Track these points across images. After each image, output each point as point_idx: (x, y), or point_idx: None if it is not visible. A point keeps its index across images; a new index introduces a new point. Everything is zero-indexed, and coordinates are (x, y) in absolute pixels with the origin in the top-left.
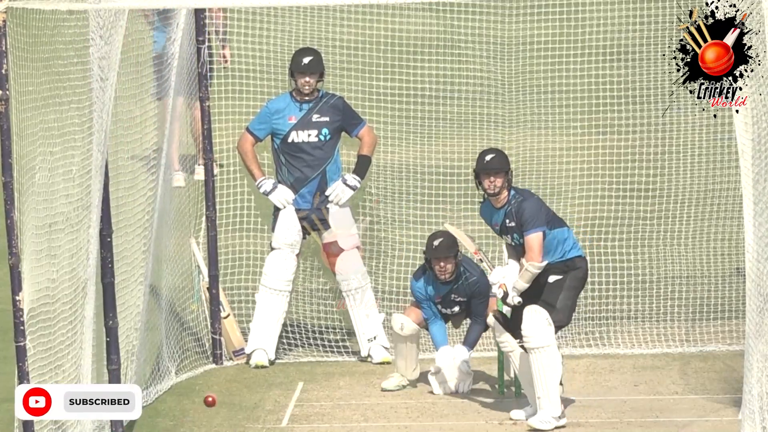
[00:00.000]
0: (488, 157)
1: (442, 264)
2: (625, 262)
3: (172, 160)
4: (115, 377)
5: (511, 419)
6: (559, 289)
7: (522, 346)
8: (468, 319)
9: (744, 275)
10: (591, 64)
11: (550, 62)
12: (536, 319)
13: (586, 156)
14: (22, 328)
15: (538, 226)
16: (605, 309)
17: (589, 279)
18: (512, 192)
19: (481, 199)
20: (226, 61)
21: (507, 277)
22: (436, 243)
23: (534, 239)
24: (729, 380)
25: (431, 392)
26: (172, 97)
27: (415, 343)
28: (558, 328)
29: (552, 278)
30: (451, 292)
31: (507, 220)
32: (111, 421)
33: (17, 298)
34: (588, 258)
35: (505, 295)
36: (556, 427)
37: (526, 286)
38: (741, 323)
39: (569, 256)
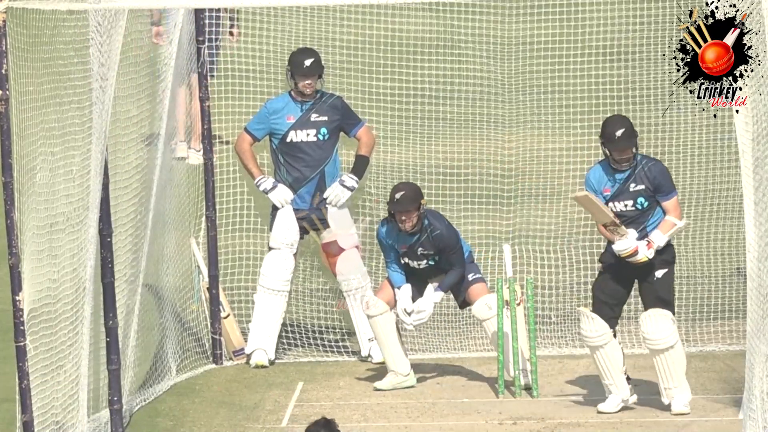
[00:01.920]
0: (618, 131)
1: (404, 217)
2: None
3: (178, 131)
4: (114, 377)
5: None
6: (669, 283)
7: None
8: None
9: (744, 275)
10: (591, 64)
11: (550, 62)
12: (662, 322)
13: (586, 156)
14: (22, 328)
15: (674, 189)
16: None
17: (589, 279)
18: (639, 156)
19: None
20: (233, 38)
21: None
22: (398, 196)
23: (675, 201)
24: (729, 380)
25: (434, 390)
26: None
27: (394, 333)
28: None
29: (660, 272)
30: (417, 245)
31: (633, 184)
32: (111, 420)
33: (17, 298)
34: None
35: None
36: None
37: (665, 242)
38: (741, 323)
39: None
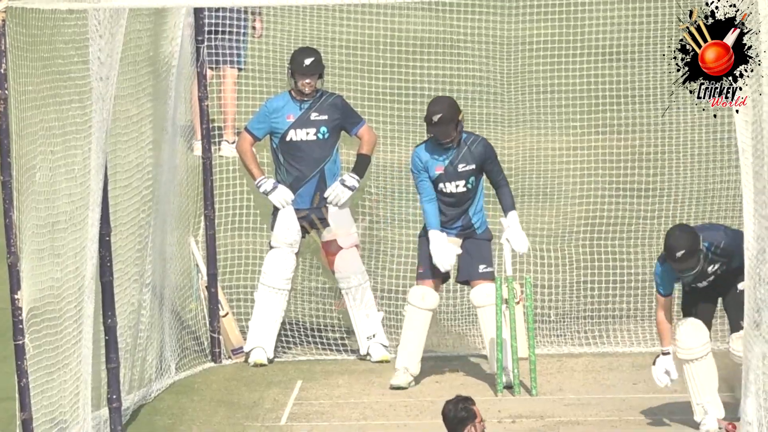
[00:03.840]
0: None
1: (444, 137)
2: (625, 261)
3: (195, 129)
4: (113, 376)
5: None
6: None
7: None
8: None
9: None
10: (590, 63)
11: (550, 62)
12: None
13: (585, 156)
14: (20, 326)
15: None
16: (604, 308)
17: (588, 278)
18: (706, 244)
19: None
20: (258, 35)
21: None
22: (435, 119)
23: None
24: (727, 378)
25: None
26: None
27: (424, 333)
28: None
29: (742, 285)
30: (457, 160)
31: (710, 267)
32: (110, 418)
33: (16, 296)
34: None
35: None
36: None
37: None
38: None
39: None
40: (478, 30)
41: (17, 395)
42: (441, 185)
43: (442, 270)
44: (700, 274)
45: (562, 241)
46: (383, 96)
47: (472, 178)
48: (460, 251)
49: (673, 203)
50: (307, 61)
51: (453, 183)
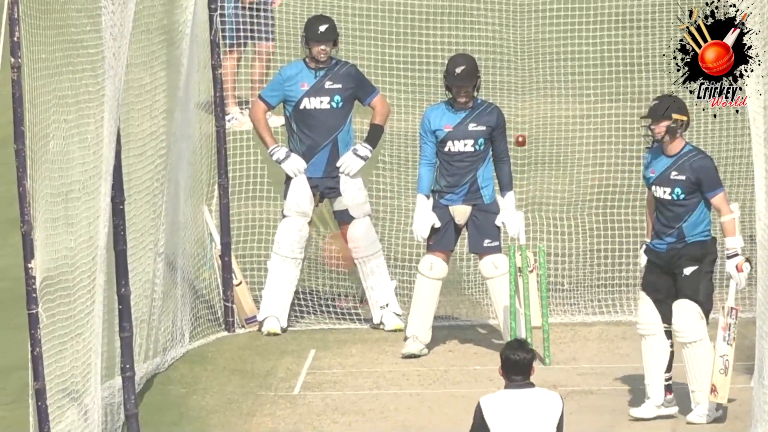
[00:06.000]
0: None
1: (462, 92)
2: (638, 229)
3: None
4: (126, 344)
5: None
6: (698, 280)
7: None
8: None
9: (756, 242)
10: (603, 31)
11: (563, 29)
12: (689, 313)
13: (598, 123)
14: (34, 295)
15: (721, 186)
16: (618, 276)
17: (602, 246)
18: (688, 146)
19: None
20: (274, 2)
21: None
22: (458, 71)
23: (722, 197)
24: (740, 347)
25: (449, 350)
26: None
27: (435, 302)
28: (706, 315)
29: (688, 270)
30: (469, 120)
31: (674, 172)
32: (123, 387)
33: (29, 265)
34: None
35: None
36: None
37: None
38: (753, 290)
39: (706, 237)
40: None
41: (30, 364)
42: (449, 143)
43: (417, 238)
44: (662, 178)
45: (576, 210)
46: (396, 64)
47: (481, 140)
48: (438, 223)
49: None
50: (322, 28)
51: (462, 141)
